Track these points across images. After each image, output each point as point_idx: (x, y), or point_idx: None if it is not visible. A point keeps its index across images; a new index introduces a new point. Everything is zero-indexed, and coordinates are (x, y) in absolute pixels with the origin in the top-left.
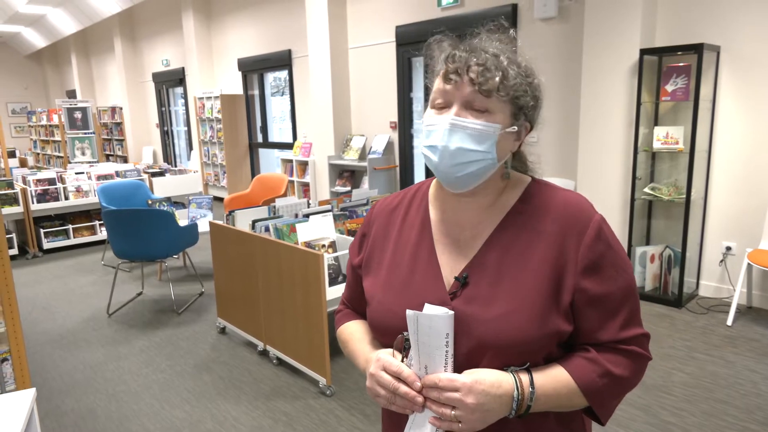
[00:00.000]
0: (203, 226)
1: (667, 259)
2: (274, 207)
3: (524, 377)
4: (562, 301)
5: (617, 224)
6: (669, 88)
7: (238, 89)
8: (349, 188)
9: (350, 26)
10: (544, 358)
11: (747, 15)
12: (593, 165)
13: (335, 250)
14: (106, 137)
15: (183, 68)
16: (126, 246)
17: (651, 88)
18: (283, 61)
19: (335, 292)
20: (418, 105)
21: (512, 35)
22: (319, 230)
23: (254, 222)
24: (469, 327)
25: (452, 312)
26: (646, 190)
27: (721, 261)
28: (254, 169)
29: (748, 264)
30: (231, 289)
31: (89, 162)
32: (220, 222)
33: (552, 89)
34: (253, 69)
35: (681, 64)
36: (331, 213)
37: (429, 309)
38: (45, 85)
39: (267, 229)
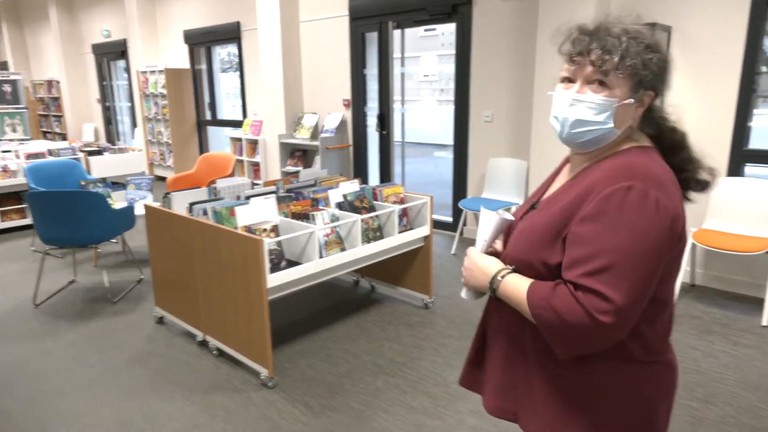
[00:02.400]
0: (141, 209)
1: None
2: (215, 189)
3: (505, 272)
4: (559, 237)
5: None
6: None
7: (184, 63)
8: (300, 168)
9: None
10: (533, 273)
11: None
12: (546, 146)
13: (278, 235)
14: (42, 113)
15: (125, 40)
16: (53, 231)
17: None
18: (231, 34)
19: (277, 279)
20: (372, 83)
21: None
22: (260, 213)
23: (191, 205)
24: (512, 235)
25: (491, 212)
26: None
27: None
28: (202, 148)
29: (693, 243)
30: (168, 277)
31: (21, 139)
32: (155, 205)
33: (507, 67)
34: (200, 42)
35: None
36: (274, 195)
37: (501, 212)
38: None
39: (205, 213)
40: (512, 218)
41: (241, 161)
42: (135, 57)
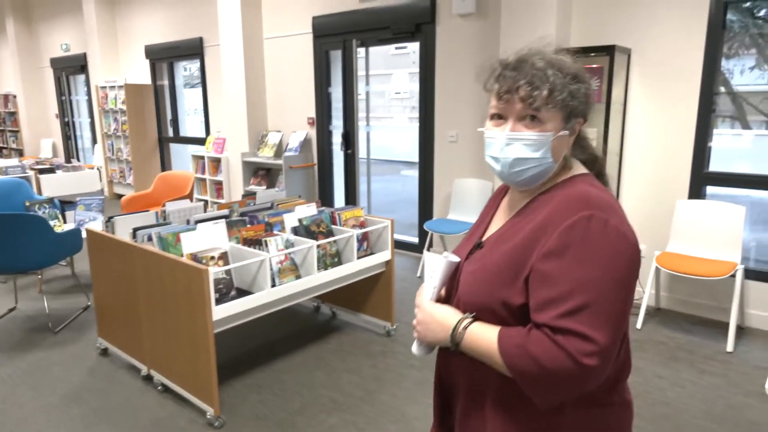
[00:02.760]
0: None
1: None
2: (164, 212)
3: (466, 321)
4: (519, 277)
5: None
6: None
7: (146, 79)
8: (263, 187)
9: (265, 14)
10: (496, 318)
11: (656, 19)
12: None
13: (227, 262)
14: None
15: (84, 54)
16: None
17: None
18: (194, 49)
19: (224, 310)
20: (336, 101)
21: (559, 46)
22: (208, 240)
23: (135, 230)
24: (461, 276)
25: (437, 255)
26: None
27: None
28: (164, 166)
29: (656, 267)
30: (112, 306)
31: None
32: (97, 229)
33: (471, 87)
34: (162, 57)
35: (594, 66)
36: (224, 221)
37: (444, 255)
38: None
39: (150, 239)
40: (459, 259)
41: (203, 180)
42: (95, 71)
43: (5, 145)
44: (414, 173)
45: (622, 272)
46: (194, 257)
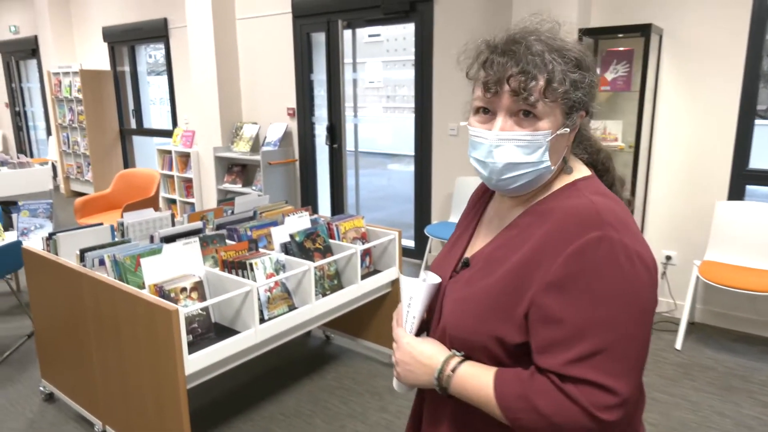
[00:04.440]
0: (38, 242)
1: None
2: (121, 226)
3: (455, 362)
4: (517, 310)
5: None
6: (609, 76)
7: (105, 65)
8: (239, 185)
9: None
10: (489, 357)
11: None
12: None
13: (202, 293)
14: None
15: (36, 37)
16: None
17: None
18: (158, 31)
19: (200, 360)
20: (320, 89)
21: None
22: (177, 265)
23: (83, 252)
24: (445, 301)
25: (414, 280)
26: None
27: (663, 273)
28: (127, 160)
29: (697, 277)
30: (57, 343)
31: None
32: (35, 248)
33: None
34: (123, 40)
35: (621, 49)
36: (197, 238)
37: (422, 276)
38: None
39: (102, 263)
40: (440, 280)
41: (170, 177)
42: (47, 56)
43: None
44: (400, 167)
45: (643, 304)
46: (159, 290)
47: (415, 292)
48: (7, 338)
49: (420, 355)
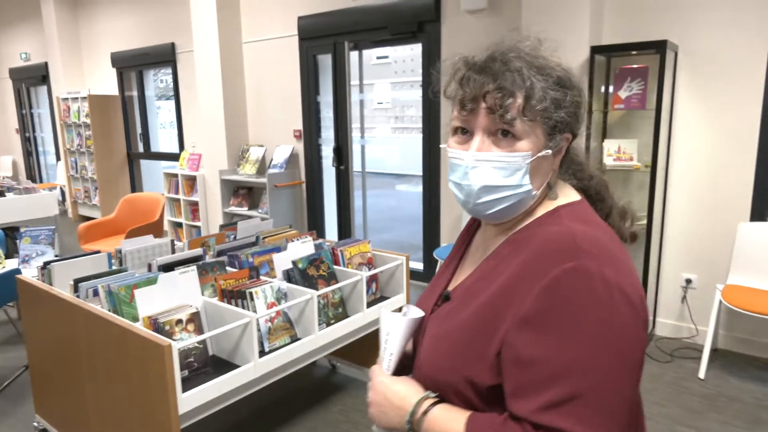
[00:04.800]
0: (33, 272)
1: None
2: (119, 253)
3: (427, 404)
4: (489, 349)
5: None
6: (623, 94)
7: (113, 89)
8: (246, 208)
9: (244, 16)
10: (461, 400)
11: (706, 8)
12: None
13: (199, 325)
14: None
15: (46, 63)
16: None
17: (599, 94)
18: (165, 56)
19: (196, 398)
20: (327, 110)
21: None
22: (173, 295)
23: (76, 282)
24: (424, 337)
25: (394, 315)
26: None
27: (683, 297)
28: (134, 184)
29: (720, 302)
30: (51, 377)
31: None
32: (29, 279)
33: None
34: (131, 65)
35: (635, 66)
36: (195, 267)
37: (404, 310)
38: None
39: (96, 293)
40: (422, 314)
41: (177, 200)
42: (56, 82)
43: None
44: (408, 187)
45: (623, 344)
46: (154, 322)
47: (393, 328)
48: (5, 369)
49: (393, 395)
